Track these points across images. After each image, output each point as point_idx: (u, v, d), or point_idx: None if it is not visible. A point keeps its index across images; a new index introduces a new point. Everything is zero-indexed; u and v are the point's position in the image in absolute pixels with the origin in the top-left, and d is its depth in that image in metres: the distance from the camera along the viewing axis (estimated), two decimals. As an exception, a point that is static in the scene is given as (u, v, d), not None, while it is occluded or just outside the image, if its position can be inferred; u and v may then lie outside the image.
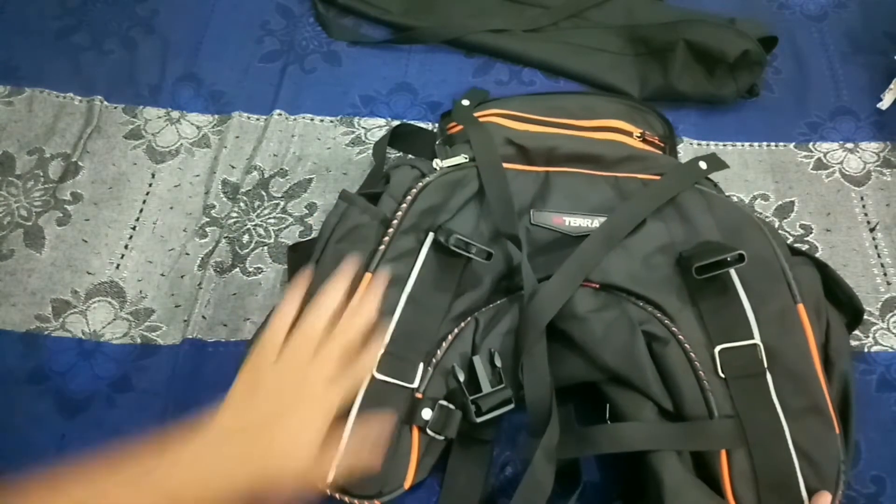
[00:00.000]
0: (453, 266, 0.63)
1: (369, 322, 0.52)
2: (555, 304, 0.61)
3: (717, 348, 0.59)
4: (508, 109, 0.78)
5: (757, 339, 0.59)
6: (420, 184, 0.65)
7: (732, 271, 0.61)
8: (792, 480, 0.55)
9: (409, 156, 0.79)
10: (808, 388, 0.58)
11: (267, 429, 0.46)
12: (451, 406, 0.59)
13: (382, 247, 0.62)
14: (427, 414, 0.58)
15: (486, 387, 0.59)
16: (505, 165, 0.68)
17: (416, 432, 0.58)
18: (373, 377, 0.58)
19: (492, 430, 0.62)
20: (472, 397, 0.58)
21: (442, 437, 0.58)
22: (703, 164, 0.69)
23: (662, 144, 0.79)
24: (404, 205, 0.64)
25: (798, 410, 0.57)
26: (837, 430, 0.57)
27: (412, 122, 0.83)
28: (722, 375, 0.59)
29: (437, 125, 0.84)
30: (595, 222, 0.66)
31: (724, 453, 0.56)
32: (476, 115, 0.78)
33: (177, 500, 0.44)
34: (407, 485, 0.57)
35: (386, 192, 0.65)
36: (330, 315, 0.50)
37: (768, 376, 0.58)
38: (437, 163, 0.67)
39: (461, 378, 0.60)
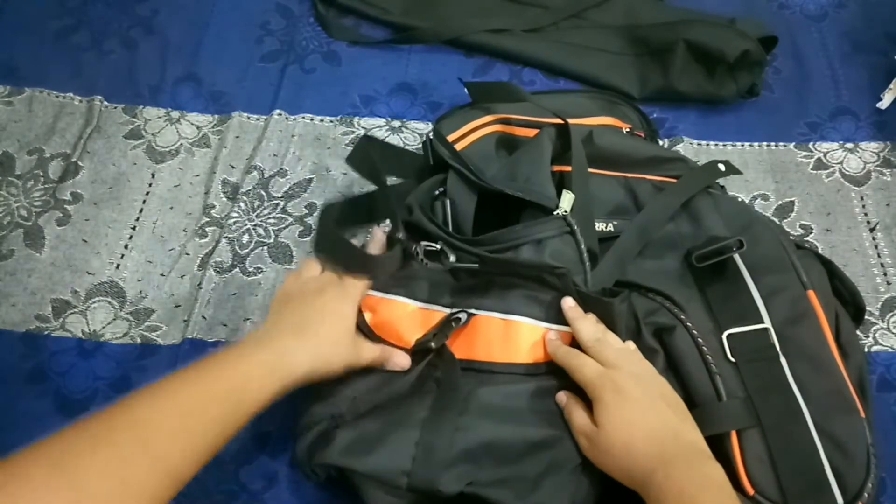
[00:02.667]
0: None
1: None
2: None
3: (725, 333, 0.60)
4: (506, 114, 0.76)
5: (767, 324, 0.59)
6: (581, 245, 0.64)
7: (739, 261, 0.62)
8: (815, 462, 0.55)
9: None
10: (826, 371, 0.58)
11: (312, 324, 0.57)
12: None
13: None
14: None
15: None
16: None
17: None
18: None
19: None
20: None
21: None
22: (721, 166, 0.71)
23: (646, 138, 0.80)
24: (588, 274, 0.63)
25: (818, 394, 0.57)
26: (863, 415, 0.57)
27: (378, 138, 0.82)
28: (732, 360, 0.59)
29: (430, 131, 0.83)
30: (609, 226, 0.67)
31: (734, 434, 0.56)
32: (473, 123, 0.76)
33: (243, 395, 0.51)
34: None
35: (564, 274, 0.61)
36: None
37: (783, 359, 0.58)
38: (562, 210, 0.65)
39: None
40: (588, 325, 0.59)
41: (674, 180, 0.71)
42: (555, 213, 0.64)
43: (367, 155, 0.74)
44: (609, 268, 0.64)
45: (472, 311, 0.62)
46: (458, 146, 0.74)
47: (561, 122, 0.71)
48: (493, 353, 0.61)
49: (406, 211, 0.67)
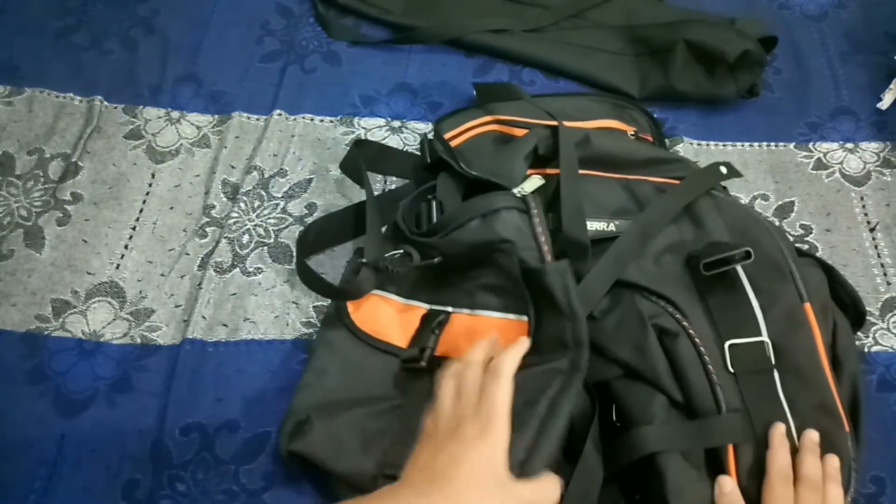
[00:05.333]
0: None
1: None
2: (591, 301, 0.61)
3: (727, 343, 0.60)
4: (504, 115, 0.77)
5: (765, 336, 0.59)
6: (536, 223, 0.63)
7: (740, 269, 0.62)
8: None
9: (379, 175, 0.78)
10: (815, 386, 0.58)
11: (443, 476, 0.47)
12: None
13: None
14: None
15: None
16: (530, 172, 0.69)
17: None
18: None
19: None
20: None
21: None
22: (723, 169, 0.71)
23: (654, 142, 0.80)
24: (545, 247, 0.62)
25: (806, 408, 0.57)
26: (847, 429, 0.57)
27: (374, 140, 0.83)
28: (731, 370, 0.59)
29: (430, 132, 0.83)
30: (611, 226, 0.67)
31: (731, 447, 0.56)
32: (472, 122, 0.77)
33: None
34: None
35: (509, 250, 0.61)
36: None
37: (775, 373, 0.58)
38: (521, 189, 0.64)
39: None
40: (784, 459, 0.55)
41: (675, 181, 0.71)
42: (514, 191, 0.64)
43: (357, 163, 0.75)
44: (608, 267, 0.63)
45: (448, 308, 0.63)
46: (455, 142, 0.75)
47: (555, 123, 0.71)
48: (461, 349, 0.61)
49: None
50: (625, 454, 0.57)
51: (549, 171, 0.69)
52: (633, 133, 0.78)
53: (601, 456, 0.57)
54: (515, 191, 0.64)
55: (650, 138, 0.79)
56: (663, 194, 0.69)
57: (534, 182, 0.65)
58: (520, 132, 0.75)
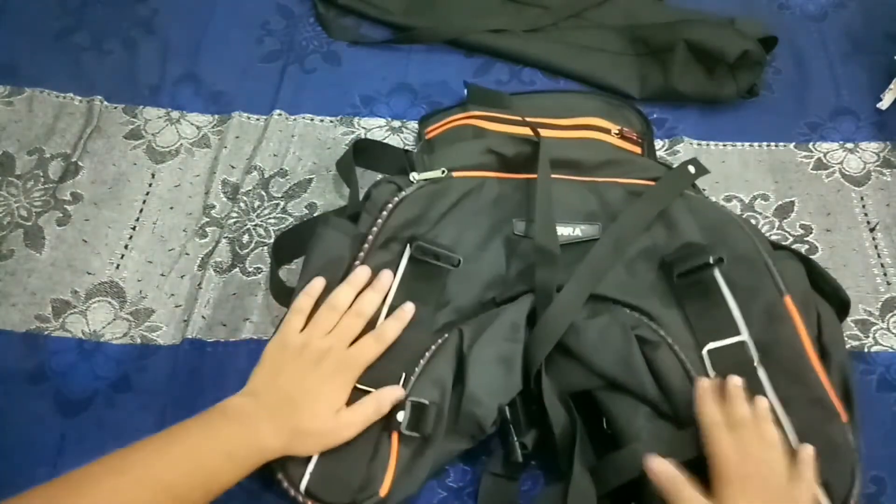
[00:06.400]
0: (434, 277, 0.63)
1: (373, 310, 0.60)
2: (570, 313, 0.61)
3: (705, 349, 0.59)
4: (486, 110, 0.78)
5: (743, 336, 0.59)
6: (396, 198, 0.64)
7: (716, 271, 0.61)
8: None
9: (379, 174, 0.79)
10: (804, 380, 0.57)
11: (295, 405, 0.55)
12: (424, 401, 0.57)
13: (358, 262, 0.62)
14: (400, 416, 0.57)
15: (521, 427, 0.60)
16: (485, 174, 0.68)
17: (395, 438, 0.57)
18: (354, 386, 0.58)
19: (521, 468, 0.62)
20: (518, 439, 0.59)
21: (418, 435, 0.57)
22: (691, 168, 0.70)
23: (640, 140, 0.79)
24: (379, 220, 0.63)
25: (798, 403, 0.57)
26: (844, 419, 0.56)
27: (374, 139, 0.83)
28: (712, 375, 0.58)
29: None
30: (577, 230, 0.66)
31: None
32: (453, 117, 0.78)
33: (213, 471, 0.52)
34: (383, 492, 0.55)
35: (364, 210, 0.65)
36: (342, 308, 0.60)
37: (760, 371, 0.58)
38: (414, 176, 0.66)
39: (507, 416, 0.59)
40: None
41: (644, 182, 0.69)
42: (410, 176, 0.66)
43: (350, 164, 0.76)
44: (583, 281, 0.62)
45: None
46: (433, 134, 0.77)
47: (533, 132, 0.70)
48: None
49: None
50: (614, 476, 0.56)
51: (520, 175, 0.69)
52: (617, 131, 0.78)
53: (591, 473, 0.57)
54: (412, 176, 0.66)
55: (634, 136, 0.79)
56: (636, 202, 0.67)
57: (434, 173, 0.67)
58: (494, 126, 0.76)
